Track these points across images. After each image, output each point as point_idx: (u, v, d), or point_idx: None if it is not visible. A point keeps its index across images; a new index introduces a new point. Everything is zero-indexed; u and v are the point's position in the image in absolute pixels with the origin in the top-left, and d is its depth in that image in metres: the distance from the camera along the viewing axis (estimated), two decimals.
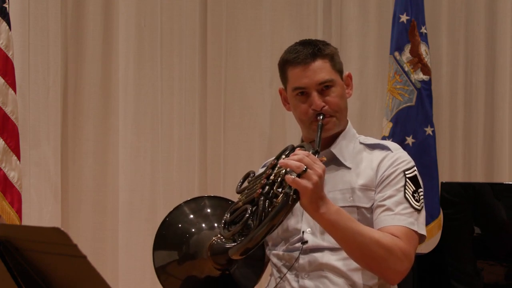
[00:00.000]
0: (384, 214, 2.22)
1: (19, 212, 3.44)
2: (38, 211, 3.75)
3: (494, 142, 4.21)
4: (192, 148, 4.03)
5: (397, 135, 3.83)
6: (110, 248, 3.91)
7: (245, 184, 2.24)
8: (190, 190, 4.01)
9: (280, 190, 2.03)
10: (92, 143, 3.91)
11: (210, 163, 4.06)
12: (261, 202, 2.03)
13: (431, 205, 3.72)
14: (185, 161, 4.02)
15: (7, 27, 3.46)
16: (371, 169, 2.31)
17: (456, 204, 3.29)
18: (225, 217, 2.16)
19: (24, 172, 3.60)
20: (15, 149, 3.46)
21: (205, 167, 4.05)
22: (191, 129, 4.04)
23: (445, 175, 4.07)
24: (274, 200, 2.02)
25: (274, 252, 2.34)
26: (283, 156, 2.15)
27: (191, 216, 2.26)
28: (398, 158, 2.32)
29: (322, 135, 2.30)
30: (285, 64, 2.35)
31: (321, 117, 2.26)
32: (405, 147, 3.64)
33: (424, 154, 3.81)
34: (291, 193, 1.96)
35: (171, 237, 2.22)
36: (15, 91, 3.47)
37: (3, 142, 3.42)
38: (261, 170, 2.44)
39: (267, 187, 2.04)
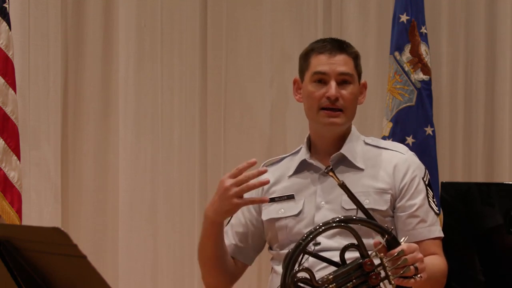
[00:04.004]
0: (420, 227, 2.34)
1: (19, 212, 3.44)
2: (38, 211, 3.75)
3: (494, 142, 4.20)
4: (192, 148, 4.03)
5: (397, 135, 3.83)
6: (110, 248, 3.91)
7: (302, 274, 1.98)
8: (190, 190, 4.01)
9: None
10: (92, 143, 3.90)
11: (210, 163, 4.05)
12: None
13: None
14: (185, 161, 4.01)
15: (7, 27, 3.46)
16: (386, 172, 2.33)
17: (456, 204, 3.28)
18: None
19: (24, 172, 3.59)
20: (15, 149, 3.45)
21: (205, 167, 4.04)
22: (191, 129, 4.03)
23: (445, 175, 4.06)
24: None
25: (282, 252, 2.34)
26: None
27: None
28: (413, 162, 2.37)
29: (329, 129, 2.33)
30: (309, 52, 2.39)
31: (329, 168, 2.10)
32: None
33: (424, 154, 3.80)
34: None
35: None
36: (15, 91, 3.47)
37: (3, 142, 3.42)
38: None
39: None
